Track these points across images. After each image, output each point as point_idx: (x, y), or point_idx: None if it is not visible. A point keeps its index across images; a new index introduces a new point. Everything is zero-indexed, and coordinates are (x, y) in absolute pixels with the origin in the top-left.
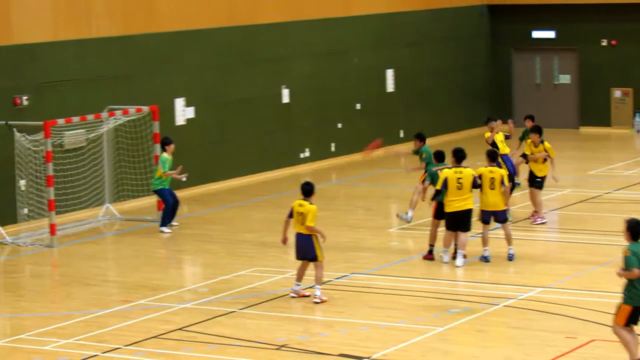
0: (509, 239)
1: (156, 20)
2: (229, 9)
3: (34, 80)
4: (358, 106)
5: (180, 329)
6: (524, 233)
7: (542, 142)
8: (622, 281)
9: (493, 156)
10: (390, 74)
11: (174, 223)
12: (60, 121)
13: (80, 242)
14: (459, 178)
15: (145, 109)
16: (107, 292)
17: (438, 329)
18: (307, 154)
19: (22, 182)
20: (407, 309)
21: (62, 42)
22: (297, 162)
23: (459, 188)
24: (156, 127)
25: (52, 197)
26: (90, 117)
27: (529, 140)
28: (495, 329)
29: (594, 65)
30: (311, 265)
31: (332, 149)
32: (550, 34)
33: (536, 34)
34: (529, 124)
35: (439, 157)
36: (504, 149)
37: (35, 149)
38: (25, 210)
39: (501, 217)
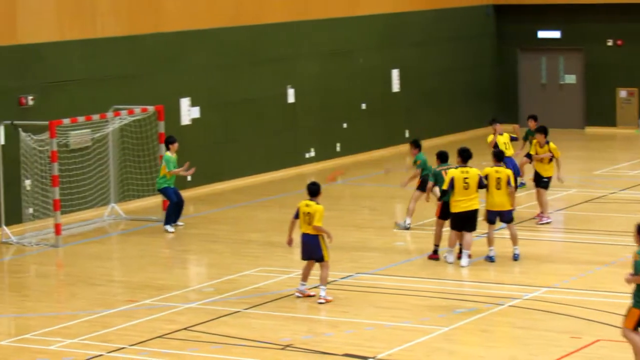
0: (514, 239)
1: (162, 20)
2: (234, 9)
3: (40, 80)
4: (364, 106)
5: (185, 328)
6: (529, 233)
7: (547, 142)
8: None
9: (499, 156)
10: (395, 74)
11: (179, 223)
12: (66, 121)
13: (86, 242)
14: (466, 178)
15: (151, 108)
16: (112, 292)
17: (443, 328)
18: (312, 154)
19: (28, 182)
20: (412, 309)
21: (68, 42)
22: (303, 162)
23: (466, 188)
24: (161, 127)
25: (57, 196)
26: (95, 117)
27: (534, 141)
28: (500, 329)
29: (599, 65)
30: (316, 265)
31: (338, 149)
32: (555, 34)
33: (542, 34)
34: (531, 124)
35: (443, 157)
36: (506, 151)
37: (40, 148)
38: (31, 210)
39: (507, 217)
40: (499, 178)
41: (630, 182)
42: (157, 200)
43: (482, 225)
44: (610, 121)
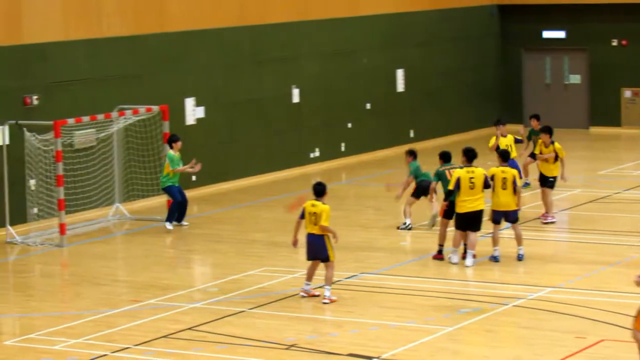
0: (519, 239)
1: (166, 20)
2: (238, 9)
3: (44, 80)
4: (368, 106)
5: (189, 328)
6: (534, 233)
7: (552, 142)
8: (632, 281)
9: (505, 156)
10: (400, 74)
11: (184, 223)
12: (71, 121)
13: (90, 242)
14: (472, 178)
15: (155, 108)
16: (116, 292)
17: (448, 328)
18: (317, 153)
19: (32, 182)
20: (417, 308)
21: (73, 42)
22: (307, 162)
23: (472, 188)
24: (166, 126)
25: (62, 196)
26: (100, 117)
27: (539, 141)
28: (504, 329)
29: (604, 65)
30: (321, 265)
31: (342, 148)
32: (560, 34)
33: (546, 34)
34: (534, 123)
35: (445, 157)
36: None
37: (45, 148)
38: (35, 210)
39: (512, 217)
40: (504, 178)
41: (635, 182)
42: (162, 200)
43: (486, 225)
44: (615, 121)
